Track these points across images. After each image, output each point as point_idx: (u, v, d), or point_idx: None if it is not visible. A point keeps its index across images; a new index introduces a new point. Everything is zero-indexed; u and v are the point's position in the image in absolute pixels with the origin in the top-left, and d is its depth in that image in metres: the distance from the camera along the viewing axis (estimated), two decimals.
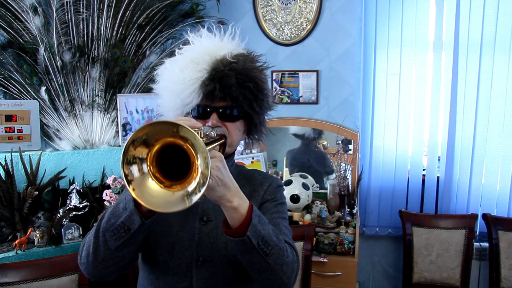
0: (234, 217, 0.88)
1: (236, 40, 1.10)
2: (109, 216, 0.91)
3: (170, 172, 0.80)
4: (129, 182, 0.77)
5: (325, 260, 2.22)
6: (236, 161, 1.21)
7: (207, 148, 0.75)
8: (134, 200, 0.87)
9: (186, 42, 1.12)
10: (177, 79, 1.03)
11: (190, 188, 0.77)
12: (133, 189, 0.76)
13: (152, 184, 0.79)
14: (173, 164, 0.80)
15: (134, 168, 0.78)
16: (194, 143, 0.75)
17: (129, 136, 0.76)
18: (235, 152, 1.17)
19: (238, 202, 0.87)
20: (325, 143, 2.69)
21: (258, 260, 0.90)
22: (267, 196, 1.11)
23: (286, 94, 2.65)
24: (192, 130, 0.73)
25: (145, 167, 0.78)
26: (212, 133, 0.96)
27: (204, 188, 0.75)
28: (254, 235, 0.87)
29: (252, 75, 1.03)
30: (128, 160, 0.77)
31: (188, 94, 1.02)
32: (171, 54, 2.43)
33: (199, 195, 0.75)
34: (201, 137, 0.78)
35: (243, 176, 1.14)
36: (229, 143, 1.06)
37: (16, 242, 1.78)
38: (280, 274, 0.92)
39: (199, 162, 0.75)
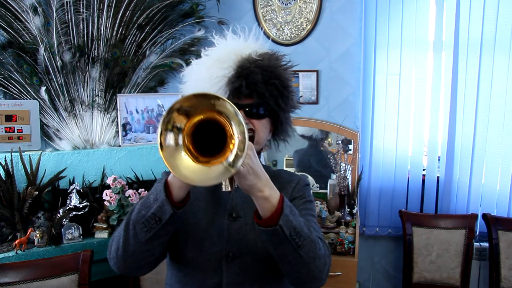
0: (265, 207, 0.87)
1: (260, 40, 1.11)
2: (139, 208, 0.91)
3: (204, 148, 0.81)
4: (161, 147, 0.77)
5: None
6: None
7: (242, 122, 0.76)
8: (165, 190, 0.87)
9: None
10: (203, 78, 1.04)
11: (230, 159, 0.77)
12: (165, 158, 0.77)
13: (186, 158, 0.79)
14: (208, 141, 0.81)
15: (170, 136, 0.78)
16: (230, 116, 0.76)
17: (170, 105, 0.76)
18: (261, 150, 1.17)
19: (269, 192, 0.87)
20: (330, 140, 2.69)
21: (290, 252, 0.88)
22: (295, 193, 1.11)
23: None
24: (230, 102, 0.74)
25: (180, 139, 0.79)
26: None
27: (244, 154, 0.75)
28: (286, 224, 0.86)
29: (277, 72, 1.04)
30: (166, 126, 0.77)
31: (214, 92, 1.01)
32: (172, 54, 2.45)
33: (241, 160, 0.75)
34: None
35: (270, 175, 1.13)
36: (256, 140, 1.06)
37: (16, 242, 1.78)
38: (312, 267, 0.91)
39: (235, 134, 0.76)
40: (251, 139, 1.03)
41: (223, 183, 0.89)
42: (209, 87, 1.03)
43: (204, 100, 0.77)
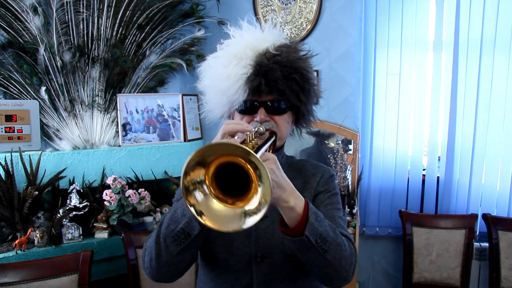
0: (291, 217, 0.87)
1: (277, 31, 1.07)
2: (168, 223, 0.92)
3: (230, 188, 0.78)
4: (195, 209, 0.75)
5: None
6: None
7: (259, 154, 0.73)
8: None
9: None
10: (221, 77, 1.02)
11: (248, 207, 0.75)
12: (201, 213, 0.75)
13: (216, 204, 0.77)
14: (232, 179, 0.78)
15: (197, 194, 0.76)
16: (260, 169, 0.71)
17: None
18: (284, 144, 1.15)
19: (294, 201, 0.87)
20: (332, 145, 2.68)
21: (317, 257, 0.89)
22: (320, 187, 1.10)
23: None
24: (260, 160, 0.70)
25: (206, 188, 0.77)
26: (261, 128, 0.94)
27: (262, 212, 0.72)
28: (312, 233, 0.87)
29: (297, 66, 1.02)
30: (188, 189, 0.75)
31: (234, 92, 1.01)
32: (172, 54, 2.45)
33: (257, 217, 0.73)
34: (252, 139, 0.76)
35: (294, 167, 1.13)
36: (279, 136, 1.05)
37: (16, 242, 1.78)
38: (339, 268, 0.92)
39: (260, 189, 0.73)
40: (274, 141, 1.01)
41: None
42: (228, 87, 1.01)
43: (216, 147, 0.74)
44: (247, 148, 0.71)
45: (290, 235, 0.87)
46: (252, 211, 0.74)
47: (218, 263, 1.06)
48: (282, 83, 0.99)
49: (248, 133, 0.86)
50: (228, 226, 0.75)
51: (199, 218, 0.75)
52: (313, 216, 0.88)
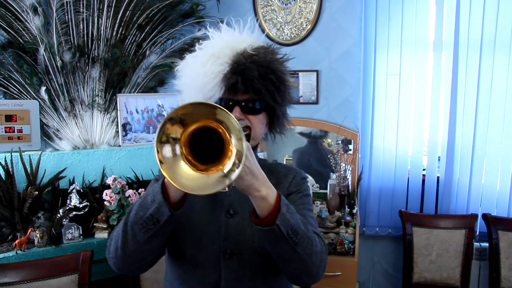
0: (262, 207, 0.87)
1: (255, 33, 1.09)
2: (137, 209, 0.92)
3: (202, 156, 0.80)
4: (161, 162, 0.77)
5: None
6: None
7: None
8: (163, 192, 0.88)
9: (199, 38, 1.13)
10: (198, 74, 1.03)
11: (226, 168, 0.77)
12: (165, 170, 0.76)
13: (185, 168, 0.79)
14: (205, 148, 0.80)
15: (167, 148, 0.78)
16: (228, 125, 0.75)
17: (165, 115, 0.78)
18: (257, 146, 1.16)
19: (266, 191, 0.87)
20: (329, 141, 2.69)
21: (287, 250, 0.89)
22: (292, 188, 1.11)
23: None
24: (228, 112, 0.74)
25: (177, 149, 0.79)
26: None
27: (241, 165, 0.75)
28: (283, 223, 0.87)
29: (273, 67, 1.03)
30: (161, 139, 0.77)
31: (210, 88, 1.01)
32: (172, 54, 2.45)
33: (237, 171, 0.75)
34: None
35: (267, 169, 1.13)
36: (252, 136, 1.06)
37: (16, 242, 1.78)
38: (309, 264, 0.92)
39: (233, 142, 0.76)
40: (248, 136, 1.03)
41: None
42: (204, 83, 1.02)
43: (199, 108, 0.77)
44: (225, 110, 0.74)
45: (261, 225, 0.87)
46: (229, 171, 0.77)
47: (185, 260, 1.05)
48: (258, 82, 1.00)
49: None
50: (207, 189, 0.77)
51: (170, 181, 0.76)
52: (285, 208, 0.89)
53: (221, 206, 1.06)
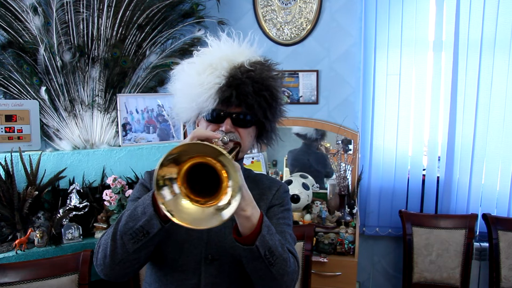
0: (245, 226, 0.90)
1: (254, 47, 1.11)
2: (126, 220, 0.92)
3: (199, 188, 0.83)
4: (164, 204, 0.80)
5: (325, 260, 2.22)
6: None
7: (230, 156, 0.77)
8: (154, 205, 0.89)
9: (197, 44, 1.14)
10: (194, 83, 1.04)
11: (222, 203, 0.80)
12: (169, 211, 0.79)
13: (186, 203, 0.82)
14: (201, 180, 0.83)
15: (166, 191, 0.80)
16: (229, 170, 0.78)
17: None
18: (243, 156, 1.19)
19: (251, 211, 0.89)
20: (327, 145, 2.69)
21: (262, 268, 0.93)
22: (275, 200, 1.13)
23: (286, 94, 2.65)
24: (229, 157, 0.76)
25: (176, 188, 0.81)
26: (225, 138, 0.97)
27: (236, 203, 0.78)
28: (262, 245, 0.90)
29: (268, 84, 1.05)
30: (159, 184, 0.79)
31: (204, 99, 1.03)
32: (172, 54, 2.45)
33: (231, 209, 0.78)
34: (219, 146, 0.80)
35: (252, 179, 1.16)
36: (241, 148, 1.08)
37: (16, 242, 1.78)
38: (281, 283, 0.96)
39: (230, 184, 0.78)
40: (237, 153, 1.04)
41: None
42: (199, 93, 1.03)
43: (196, 146, 0.79)
44: (220, 149, 0.77)
45: (241, 243, 0.90)
46: (224, 206, 0.79)
47: (166, 263, 1.06)
48: (252, 98, 1.02)
49: (216, 140, 0.90)
50: (203, 224, 0.80)
51: (169, 215, 0.78)
52: (266, 229, 0.91)
53: None
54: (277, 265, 0.93)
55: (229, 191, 0.78)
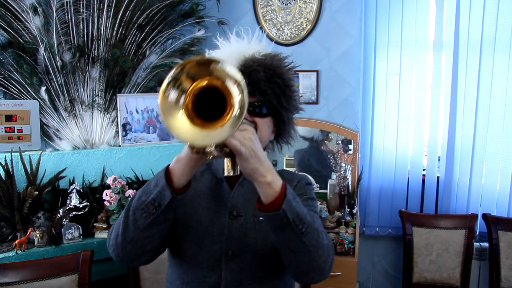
0: (268, 193, 0.86)
1: (263, 42, 1.11)
2: (139, 195, 0.92)
3: (203, 114, 0.79)
4: (162, 98, 0.77)
5: None
6: None
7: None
8: (166, 176, 0.88)
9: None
10: None
11: (235, 112, 0.76)
12: (161, 110, 0.77)
13: (182, 120, 0.78)
14: (207, 109, 0.79)
15: (173, 93, 0.77)
16: (222, 75, 0.75)
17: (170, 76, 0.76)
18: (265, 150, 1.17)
19: (272, 177, 0.86)
20: (330, 136, 2.69)
21: (293, 239, 0.88)
22: (296, 191, 1.10)
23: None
24: (216, 59, 0.74)
25: (181, 99, 0.78)
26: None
27: (245, 109, 0.74)
28: (289, 209, 0.85)
29: (280, 71, 1.05)
30: (173, 79, 0.76)
31: None
32: (172, 54, 2.45)
33: (242, 118, 0.74)
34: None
35: None
36: (258, 137, 1.04)
37: (16, 242, 1.78)
38: (316, 257, 0.90)
39: (235, 97, 0.75)
40: (254, 125, 1.03)
41: (226, 167, 0.90)
42: None
43: (209, 66, 0.76)
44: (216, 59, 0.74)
45: (266, 211, 0.86)
46: (229, 118, 0.75)
47: (186, 260, 1.05)
48: (264, 84, 1.01)
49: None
50: (201, 139, 0.76)
51: (162, 116, 0.76)
52: (291, 195, 0.87)
53: (225, 208, 1.06)
54: (308, 234, 0.87)
55: (236, 101, 0.74)
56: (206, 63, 0.76)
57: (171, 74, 0.76)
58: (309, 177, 2.59)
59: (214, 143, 0.78)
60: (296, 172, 1.21)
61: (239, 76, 0.75)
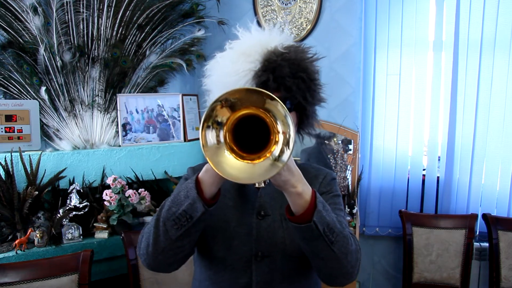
0: (298, 204, 0.86)
1: (285, 33, 1.07)
2: (169, 205, 0.90)
3: (245, 145, 0.79)
4: (203, 146, 0.76)
5: None
6: None
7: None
8: (197, 188, 0.87)
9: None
10: (229, 72, 1.01)
11: (275, 153, 0.77)
12: (209, 157, 0.76)
13: (229, 157, 0.78)
14: (248, 138, 0.79)
15: (211, 134, 0.77)
16: (276, 113, 0.75)
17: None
18: None
19: (302, 187, 0.86)
20: (333, 144, 2.68)
21: (323, 248, 0.88)
22: (322, 188, 1.10)
23: None
24: (276, 99, 0.74)
25: (221, 135, 0.78)
26: None
27: (291, 148, 0.74)
28: (320, 221, 0.85)
29: (304, 65, 1.03)
30: (207, 122, 0.76)
31: (241, 86, 0.99)
32: (172, 54, 2.45)
33: (287, 153, 0.75)
34: None
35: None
36: None
37: (16, 242, 1.78)
38: (345, 263, 0.91)
39: (280, 128, 0.75)
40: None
41: None
42: (235, 81, 0.99)
43: (252, 95, 0.75)
44: (270, 94, 0.74)
45: (297, 222, 0.86)
46: (279, 154, 0.76)
47: (216, 261, 1.04)
48: (289, 80, 0.99)
49: None
50: (256, 177, 0.77)
51: (213, 166, 0.75)
52: (321, 205, 0.87)
53: (252, 208, 1.05)
54: (338, 243, 0.87)
55: (281, 138, 0.75)
56: (259, 93, 0.75)
57: (205, 113, 0.75)
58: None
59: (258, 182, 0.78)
60: (319, 166, 1.20)
61: (291, 129, 0.76)
